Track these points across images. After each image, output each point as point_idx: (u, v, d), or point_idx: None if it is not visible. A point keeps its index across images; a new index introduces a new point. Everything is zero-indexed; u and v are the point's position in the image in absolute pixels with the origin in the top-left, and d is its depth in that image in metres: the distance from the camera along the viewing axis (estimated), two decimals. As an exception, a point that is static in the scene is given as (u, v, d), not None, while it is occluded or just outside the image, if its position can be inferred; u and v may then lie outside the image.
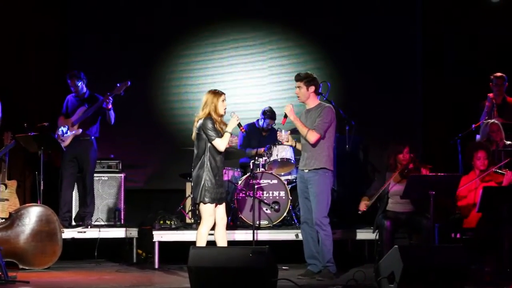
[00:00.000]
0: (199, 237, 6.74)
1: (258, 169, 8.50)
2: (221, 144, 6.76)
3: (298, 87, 7.09)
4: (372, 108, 9.68)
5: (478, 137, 8.48)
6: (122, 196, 8.91)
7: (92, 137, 8.58)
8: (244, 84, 9.85)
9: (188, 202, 8.60)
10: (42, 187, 8.08)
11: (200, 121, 6.82)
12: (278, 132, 7.24)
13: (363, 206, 7.49)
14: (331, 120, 7.03)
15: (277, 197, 8.38)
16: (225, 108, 6.84)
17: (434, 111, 9.73)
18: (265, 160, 8.58)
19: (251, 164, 8.31)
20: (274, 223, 8.34)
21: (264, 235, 8.07)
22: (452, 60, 9.78)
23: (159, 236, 7.99)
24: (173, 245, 8.00)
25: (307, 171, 7.05)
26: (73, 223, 8.62)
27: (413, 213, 7.52)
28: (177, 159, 9.28)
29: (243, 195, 8.31)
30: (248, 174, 8.38)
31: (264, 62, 9.89)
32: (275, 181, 8.41)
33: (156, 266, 7.93)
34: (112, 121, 8.54)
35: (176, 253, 7.77)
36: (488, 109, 8.55)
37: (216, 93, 6.85)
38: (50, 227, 7.70)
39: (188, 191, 8.69)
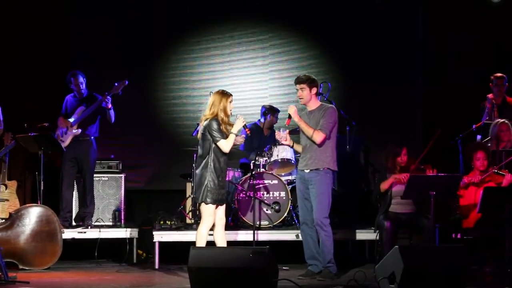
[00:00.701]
0: (199, 236, 6.74)
1: (258, 169, 8.50)
2: (226, 145, 6.75)
3: (301, 88, 7.07)
4: (373, 109, 9.67)
5: (479, 137, 8.48)
6: (122, 196, 8.90)
7: (92, 137, 8.58)
8: (244, 84, 9.84)
9: (189, 202, 8.60)
10: (42, 188, 8.07)
11: (206, 122, 6.80)
12: (276, 131, 7.24)
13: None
14: (335, 120, 7.04)
15: (278, 198, 8.38)
16: (231, 110, 6.84)
17: (434, 111, 9.72)
18: (266, 160, 8.58)
19: (251, 164, 8.31)
20: (274, 224, 8.33)
21: (264, 236, 8.07)
22: (453, 60, 9.78)
23: (159, 236, 7.98)
24: (173, 245, 8.00)
25: (308, 171, 7.04)
26: (73, 223, 8.62)
27: (413, 214, 7.52)
28: (178, 159, 9.28)
29: (244, 195, 8.30)
30: (248, 175, 8.37)
31: (265, 59, 9.87)
32: (275, 182, 8.41)
33: (156, 267, 7.92)
34: (113, 120, 8.55)
35: (176, 254, 7.77)
36: (488, 110, 8.55)
37: (225, 94, 6.83)
38: (50, 228, 7.69)
39: (189, 192, 8.68)
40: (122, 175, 8.95)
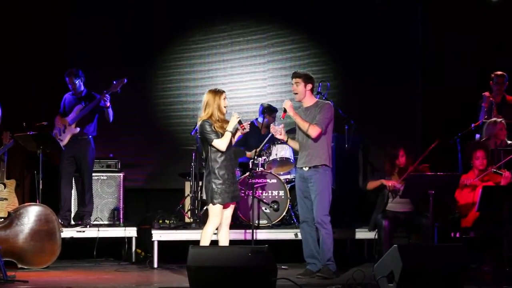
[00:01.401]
0: (204, 235, 6.73)
1: (257, 168, 8.49)
2: (221, 144, 6.73)
3: (296, 83, 7.05)
4: (372, 108, 9.67)
5: (477, 136, 8.48)
6: (121, 195, 8.89)
7: (90, 136, 8.57)
8: (243, 83, 9.84)
9: (187, 201, 8.60)
10: (41, 186, 8.07)
11: (198, 124, 6.81)
12: (271, 125, 7.21)
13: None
14: (331, 116, 7.04)
15: (276, 197, 8.37)
16: (226, 107, 6.83)
17: (433, 111, 9.71)
18: (264, 159, 8.58)
19: (250, 163, 8.30)
20: (273, 223, 8.33)
21: (263, 235, 8.06)
22: (452, 60, 9.78)
23: (158, 235, 7.98)
24: (172, 244, 7.99)
25: (306, 169, 7.03)
26: (72, 222, 8.61)
27: (412, 213, 7.52)
28: (176, 158, 9.29)
29: (242, 194, 8.30)
30: (247, 173, 8.37)
31: (264, 58, 9.87)
32: (274, 181, 8.40)
33: (155, 266, 7.91)
34: (111, 119, 8.53)
35: (175, 253, 7.76)
36: (486, 108, 8.55)
37: (217, 92, 6.82)
38: (49, 227, 7.69)
39: (187, 191, 8.68)
40: (121, 174, 8.95)
